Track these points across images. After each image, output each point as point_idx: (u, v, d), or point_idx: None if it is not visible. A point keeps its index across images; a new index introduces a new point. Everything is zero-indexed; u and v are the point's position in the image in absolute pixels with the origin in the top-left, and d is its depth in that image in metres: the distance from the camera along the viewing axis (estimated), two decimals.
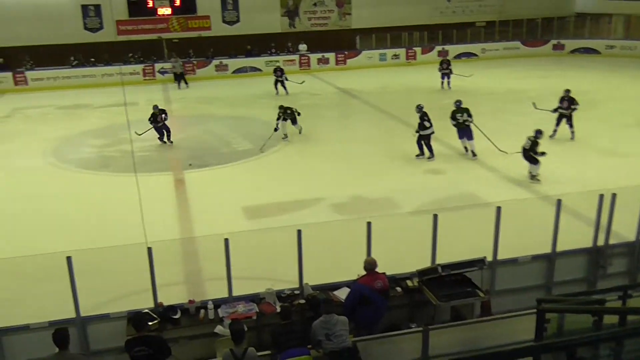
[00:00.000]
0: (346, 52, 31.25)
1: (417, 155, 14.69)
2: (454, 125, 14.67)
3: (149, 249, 6.81)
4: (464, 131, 14.62)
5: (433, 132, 14.47)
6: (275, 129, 16.42)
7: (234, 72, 29.84)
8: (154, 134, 17.03)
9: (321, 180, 13.56)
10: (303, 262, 7.37)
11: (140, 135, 16.88)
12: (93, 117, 21.46)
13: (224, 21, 31.19)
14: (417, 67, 30.32)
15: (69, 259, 6.52)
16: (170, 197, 12.96)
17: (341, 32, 32.42)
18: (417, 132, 14.52)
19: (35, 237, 10.62)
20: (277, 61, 29.26)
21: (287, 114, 16.72)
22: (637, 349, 4.46)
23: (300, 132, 17.16)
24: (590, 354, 4.21)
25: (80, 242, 9.12)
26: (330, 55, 30.98)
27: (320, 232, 9.09)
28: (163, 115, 16.95)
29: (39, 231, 11.01)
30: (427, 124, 14.37)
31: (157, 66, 29.21)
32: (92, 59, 28.97)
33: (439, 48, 31.67)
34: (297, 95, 24.06)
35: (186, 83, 27.34)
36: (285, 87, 24.60)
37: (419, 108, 14.57)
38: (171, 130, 17.13)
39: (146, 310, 6.88)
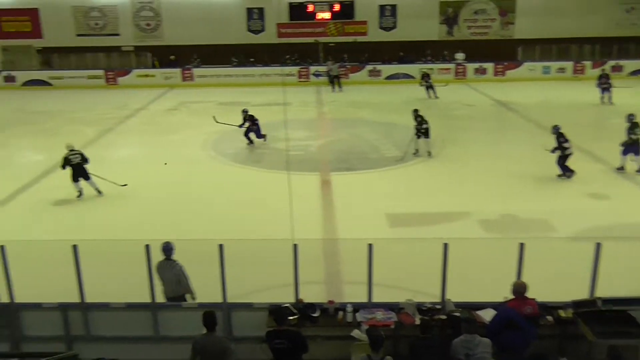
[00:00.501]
0: (506, 63, 30.06)
1: (559, 175, 13.83)
2: (629, 143, 13.78)
3: (295, 246, 6.94)
4: (633, 147, 13.80)
5: (571, 153, 13.63)
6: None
7: (386, 78, 29.94)
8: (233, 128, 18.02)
9: (469, 194, 13.05)
10: (447, 277, 7.11)
11: (217, 122, 18.08)
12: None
13: (380, 27, 31.43)
14: (585, 82, 28.22)
15: (220, 246, 6.83)
16: (316, 197, 13.19)
17: (502, 42, 31.24)
18: (552, 151, 13.73)
19: (192, 223, 11.35)
20: (431, 69, 28.88)
21: (418, 121, 15.99)
22: None
23: (429, 154, 16.10)
24: None
25: (231, 231, 9.57)
26: (489, 66, 29.97)
27: (466, 248, 8.71)
28: (254, 125, 17.66)
29: (196, 217, 11.73)
30: (566, 144, 13.56)
31: (312, 69, 30.11)
32: (252, 60, 30.57)
33: (612, 63, 29.35)
34: (450, 105, 23.59)
35: (340, 87, 27.88)
36: (434, 91, 24.41)
37: (556, 129, 13.79)
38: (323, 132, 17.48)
39: (287, 305, 7.01)
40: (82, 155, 13.15)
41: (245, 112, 17.98)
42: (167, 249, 7.51)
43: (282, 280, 7.59)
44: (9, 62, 31.78)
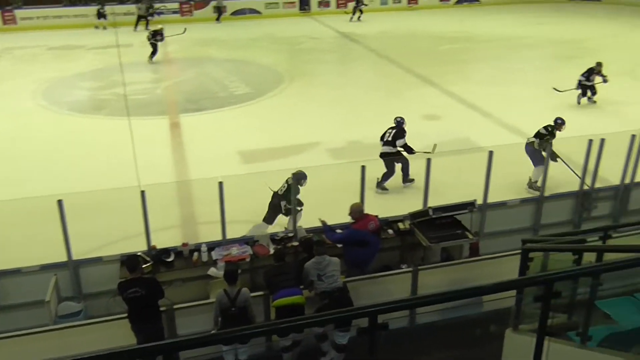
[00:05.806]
0: None
1: None
2: None
3: (142, 193, 6.80)
4: None
5: None
6: None
7: (232, 14, 29.17)
8: None
9: (318, 125, 13.47)
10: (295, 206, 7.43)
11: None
12: (86, 59, 21.04)
13: None
14: (419, 12, 29.71)
15: (60, 202, 6.50)
16: (165, 141, 12.88)
17: None
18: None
19: (24, 180, 10.52)
20: (277, 3, 28.59)
21: None
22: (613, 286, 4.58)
23: None
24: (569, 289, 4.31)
25: (71, 185, 9.00)
26: None
27: (315, 175, 9.06)
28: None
29: (28, 174, 10.89)
30: None
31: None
32: None
33: None
34: (295, 39, 23.69)
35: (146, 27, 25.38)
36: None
37: None
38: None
39: (139, 253, 6.89)
40: None
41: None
42: None
43: (134, 229, 7.38)
44: None
